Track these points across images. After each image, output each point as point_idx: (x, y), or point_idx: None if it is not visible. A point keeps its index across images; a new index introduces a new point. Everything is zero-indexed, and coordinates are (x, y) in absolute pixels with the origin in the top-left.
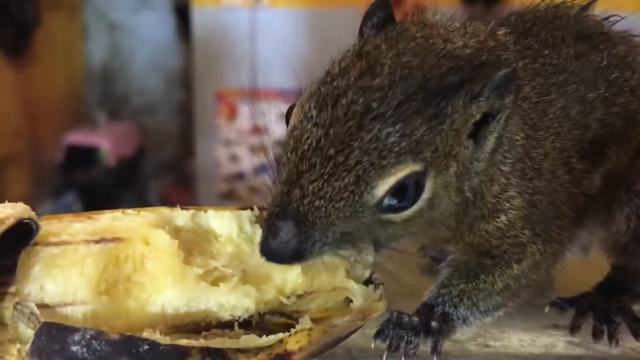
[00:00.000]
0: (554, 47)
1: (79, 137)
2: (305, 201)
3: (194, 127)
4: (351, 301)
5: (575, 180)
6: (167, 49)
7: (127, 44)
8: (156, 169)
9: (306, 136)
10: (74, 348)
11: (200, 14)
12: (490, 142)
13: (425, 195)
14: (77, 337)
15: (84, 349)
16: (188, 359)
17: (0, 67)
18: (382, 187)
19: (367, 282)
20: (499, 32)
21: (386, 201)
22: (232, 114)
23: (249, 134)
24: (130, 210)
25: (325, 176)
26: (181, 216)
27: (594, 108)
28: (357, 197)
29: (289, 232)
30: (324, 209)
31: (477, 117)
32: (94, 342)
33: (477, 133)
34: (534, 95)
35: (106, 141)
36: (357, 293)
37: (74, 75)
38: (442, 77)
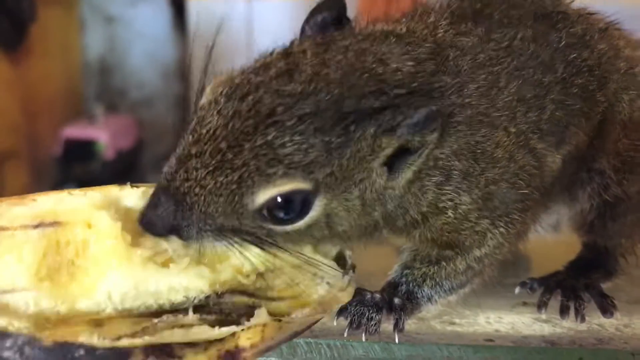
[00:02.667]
0: (508, 28)
1: (77, 131)
2: (187, 184)
3: (191, 119)
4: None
5: (536, 161)
6: (164, 41)
7: (123, 37)
8: (154, 162)
9: (207, 121)
10: (7, 354)
11: (196, 6)
12: (407, 174)
13: (314, 213)
14: (8, 343)
15: (17, 355)
16: (130, 359)
17: None
18: (263, 195)
19: (337, 259)
20: (439, 31)
21: (266, 211)
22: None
23: None
24: (76, 191)
25: (210, 168)
26: (130, 195)
27: (549, 90)
28: (236, 198)
29: (167, 208)
30: (202, 198)
31: (388, 150)
32: (26, 347)
33: (392, 163)
34: (475, 99)
35: (104, 134)
36: (325, 268)
37: (71, 69)
38: (361, 99)
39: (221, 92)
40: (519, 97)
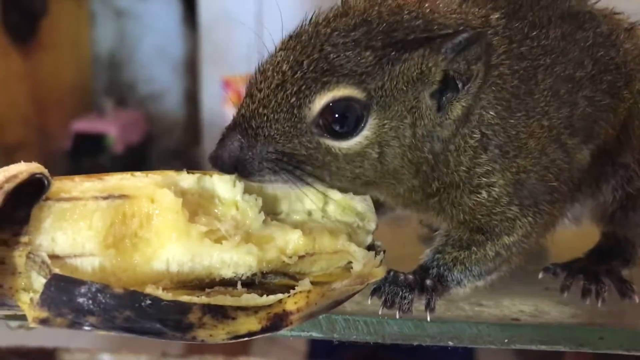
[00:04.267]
0: (541, 28)
1: (86, 125)
2: (252, 107)
3: (200, 114)
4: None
5: (567, 156)
6: (174, 36)
7: (133, 31)
8: (163, 156)
9: (273, 58)
10: (81, 300)
11: (206, 1)
12: (455, 110)
13: (367, 132)
14: (83, 290)
15: (90, 301)
16: (189, 314)
17: (8, 55)
18: (319, 102)
19: (369, 248)
20: (491, 17)
21: (322, 121)
22: (239, 101)
23: None
24: (138, 173)
25: (273, 86)
26: (187, 179)
27: (581, 86)
28: (296, 111)
29: (233, 140)
30: (265, 117)
31: (436, 73)
32: (99, 295)
33: (441, 97)
34: (515, 78)
35: (113, 128)
36: (358, 257)
37: (81, 63)
38: (409, 31)
39: (287, 37)
40: (553, 93)
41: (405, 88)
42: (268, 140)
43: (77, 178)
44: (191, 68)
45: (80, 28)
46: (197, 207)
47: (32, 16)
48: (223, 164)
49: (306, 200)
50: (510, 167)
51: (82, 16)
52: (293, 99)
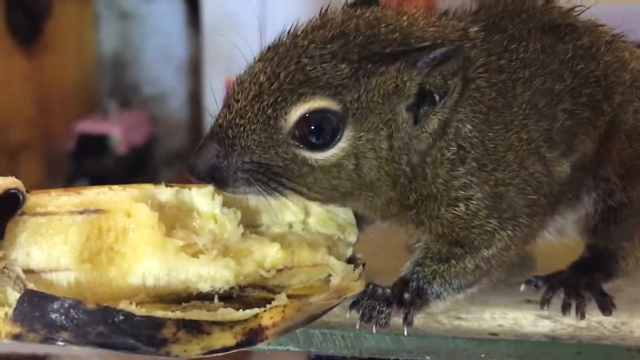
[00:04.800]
0: (521, 41)
1: (90, 126)
2: (229, 117)
3: (204, 116)
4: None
5: (546, 169)
6: (178, 37)
7: (138, 33)
8: (167, 158)
9: (251, 69)
10: (53, 315)
11: (210, 3)
12: (431, 123)
13: (343, 143)
14: (56, 306)
15: (63, 317)
16: (163, 329)
17: (12, 56)
18: (295, 113)
19: (349, 261)
20: (470, 30)
21: (298, 133)
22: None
23: None
24: (116, 187)
25: (250, 97)
26: (165, 193)
27: (561, 99)
28: (272, 122)
29: (210, 149)
30: (242, 127)
31: (412, 87)
32: (72, 310)
33: (418, 111)
34: (493, 91)
35: (117, 129)
36: (337, 270)
37: (85, 64)
38: (386, 44)
39: (266, 49)
40: (532, 106)
41: (381, 101)
42: (244, 150)
43: (53, 192)
44: (195, 70)
45: (84, 29)
46: (174, 220)
47: (36, 17)
48: (199, 173)
49: (287, 212)
50: (488, 180)
51: (86, 17)
52: (269, 110)
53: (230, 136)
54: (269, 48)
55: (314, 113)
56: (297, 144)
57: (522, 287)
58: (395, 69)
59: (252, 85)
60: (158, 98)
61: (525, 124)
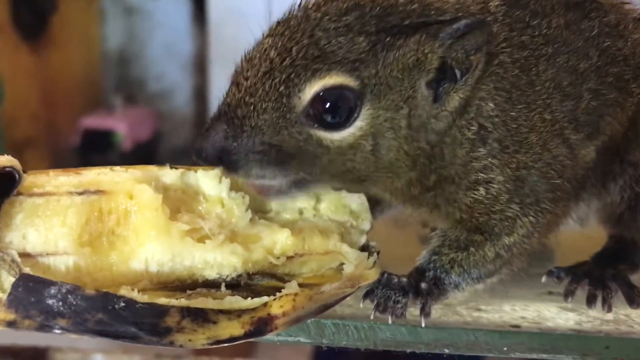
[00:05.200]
0: (543, 17)
1: (95, 121)
2: (238, 96)
3: (209, 112)
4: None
5: (571, 152)
6: (183, 33)
7: (143, 28)
8: (172, 154)
9: (260, 45)
10: (50, 301)
11: None
12: (452, 101)
13: (361, 123)
14: (53, 291)
15: (60, 303)
16: (166, 318)
17: (18, 51)
18: (309, 90)
19: (363, 249)
20: (491, 3)
21: (312, 111)
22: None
23: None
24: (117, 167)
25: (260, 74)
26: (169, 174)
27: (586, 78)
28: (284, 100)
29: (218, 130)
30: (252, 107)
31: (433, 61)
32: (69, 296)
33: (438, 87)
34: (515, 68)
35: (122, 125)
36: (350, 258)
37: (91, 60)
38: (404, 16)
39: (276, 23)
40: (556, 84)
41: (400, 76)
42: (255, 131)
43: (52, 172)
44: (200, 65)
45: (89, 25)
46: (179, 204)
47: (41, 13)
48: (207, 155)
49: (297, 198)
50: (510, 162)
51: (91, 13)
52: (282, 88)
53: (240, 116)
54: (279, 22)
55: (329, 90)
56: (311, 123)
57: (544, 279)
58: (415, 41)
59: (262, 61)
60: (163, 94)
61: (549, 103)
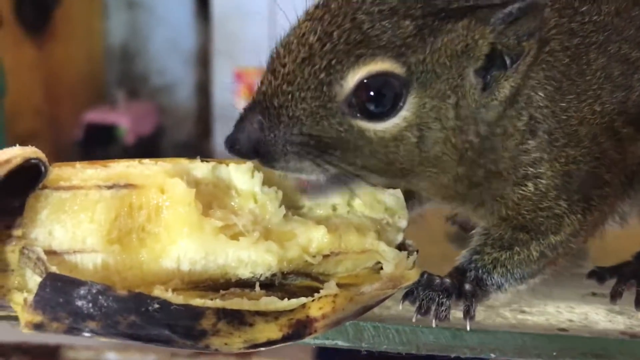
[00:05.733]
0: (592, 3)
1: (98, 116)
2: (274, 84)
3: (212, 106)
4: (382, 268)
5: (620, 146)
6: (186, 28)
7: (146, 23)
8: (174, 148)
9: (297, 30)
10: (80, 303)
11: None
12: (503, 89)
13: (406, 112)
14: (82, 291)
15: (90, 304)
16: (202, 320)
17: (21, 45)
18: (352, 78)
19: (399, 247)
20: None
21: (355, 100)
22: (251, 94)
23: None
24: (146, 160)
25: (298, 60)
26: (201, 168)
27: (637, 68)
28: (325, 88)
29: (253, 120)
30: (290, 95)
31: (483, 47)
32: (100, 297)
33: (487, 75)
34: (566, 56)
35: (125, 120)
36: (388, 257)
37: (94, 54)
38: (452, 0)
39: (312, 6)
40: (607, 74)
41: (448, 63)
42: (293, 121)
43: (78, 165)
44: (203, 60)
45: (93, 19)
46: (211, 199)
47: (45, 7)
48: (241, 148)
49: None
50: (559, 156)
51: (94, 7)
52: (322, 75)
53: (277, 105)
54: (317, 5)
55: (374, 77)
56: (353, 113)
57: (585, 280)
58: (464, 25)
59: (301, 46)
60: (166, 88)
61: (599, 94)
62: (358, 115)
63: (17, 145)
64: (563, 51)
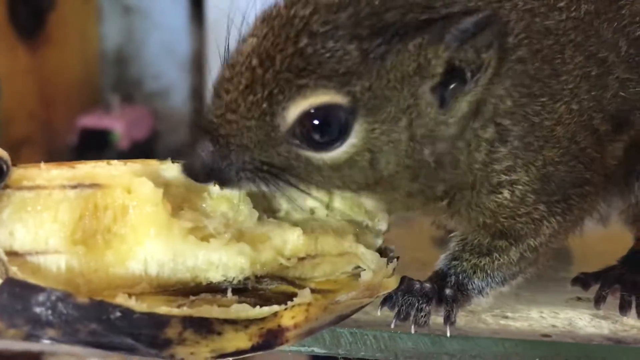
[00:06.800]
0: (571, 0)
1: (92, 120)
2: (219, 112)
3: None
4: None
5: (599, 144)
6: (181, 33)
7: (141, 27)
8: (169, 153)
9: (242, 47)
10: (38, 310)
11: None
12: (461, 105)
13: (354, 140)
14: (41, 298)
15: (49, 312)
16: (167, 329)
17: (15, 49)
18: (294, 110)
19: (379, 251)
20: None
21: (299, 131)
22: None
23: None
24: (115, 161)
25: (241, 87)
26: (171, 169)
27: (615, 67)
28: (268, 118)
29: (205, 149)
30: (235, 125)
31: (437, 66)
32: (60, 304)
33: (444, 91)
34: (538, 59)
35: (120, 124)
36: (367, 259)
37: (88, 59)
38: (407, 11)
39: (257, 19)
40: (583, 73)
41: (399, 85)
42: (242, 149)
43: (44, 165)
44: (198, 65)
45: (87, 23)
46: (182, 201)
47: (39, 11)
48: (198, 175)
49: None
50: (535, 160)
51: (89, 11)
52: (264, 105)
53: (224, 134)
54: (263, 19)
55: (317, 109)
56: (299, 143)
57: (570, 286)
58: (415, 45)
59: (244, 70)
60: (161, 93)
61: (576, 93)
62: (304, 145)
63: (17, 150)
64: (533, 55)
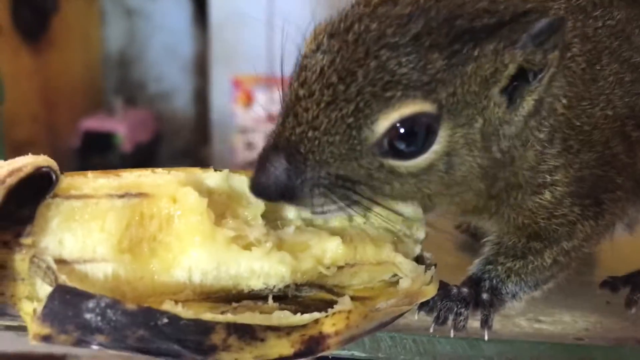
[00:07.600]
0: (605, 9)
1: (95, 123)
2: (298, 130)
3: (209, 114)
4: (399, 281)
5: (630, 150)
6: (184, 35)
7: (143, 30)
8: (172, 156)
9: (312, 63)
10: (88, 316)
11: (217, 0)
12: (527, 104)
13: (437, 146)
14: (91, 305)
15: (99, 318)
16: (212, 335)
17: (18, 52)
18: (384, 122)
19: (417, 259)
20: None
21: (387, 142)
22: (249, 101)
23: (265, 122)
24: (159, 169)
25: (322, 104)
26: (214, 177)
27: None
28: (354, 133)
29: (279, 166)
30: (317, 141)
31: (511, 68)
32: (109, 311)
33: (512, 91)
34: (583, 61)
35: (122, 127)
36: (405, 269)
37: (91, 61)
38: (475, 17)
39: (323, 33)
40: (618, 80)
41: (477, 89)
42: (320, 164)
43: (90, 174)
44: (201, 67)
45: (90, 26)
46: (224, 208)
47: (42, 14)
48: (270, 195)
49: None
50: (573, 163)
51: (92, 14)
52: (350, 120)
53: (303, 152)
54: (332, 35)
55: (405, 120)
56: (384, 153)
57: (599, 290)
58: (492, 50)
59: (323, 87)
60: (163, 96)
61: (611, 99)
62: (390, 155)
63: (20, 153)
64: (581, 56)
